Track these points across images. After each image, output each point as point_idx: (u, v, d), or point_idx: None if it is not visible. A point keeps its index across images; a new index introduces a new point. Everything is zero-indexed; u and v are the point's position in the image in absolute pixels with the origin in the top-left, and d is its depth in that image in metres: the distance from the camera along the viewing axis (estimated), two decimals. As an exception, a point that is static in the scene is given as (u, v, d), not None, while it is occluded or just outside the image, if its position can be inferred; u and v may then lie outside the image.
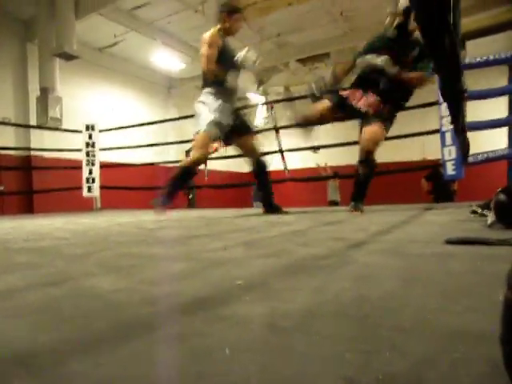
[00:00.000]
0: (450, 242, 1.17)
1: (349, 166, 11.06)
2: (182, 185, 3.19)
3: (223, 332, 0.50)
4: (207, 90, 3.21)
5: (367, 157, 2.98)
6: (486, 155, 4.21)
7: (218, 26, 3.24)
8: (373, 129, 2.97)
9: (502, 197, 1.61)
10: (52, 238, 1.84)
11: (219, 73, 3.13)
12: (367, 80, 3.07)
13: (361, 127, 3.13)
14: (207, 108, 3.14)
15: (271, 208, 3.35)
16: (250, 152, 3.39)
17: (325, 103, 3.13)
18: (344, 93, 3.13)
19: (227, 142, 3.39)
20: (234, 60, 3.17)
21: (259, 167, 3.38)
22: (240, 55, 3.19)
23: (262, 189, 3.47)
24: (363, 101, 3.04)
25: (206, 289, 0.73)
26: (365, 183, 3.04)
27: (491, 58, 3.86)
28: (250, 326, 0.52)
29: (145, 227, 2.34)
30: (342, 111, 3.15)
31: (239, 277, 0.79)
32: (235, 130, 3.27)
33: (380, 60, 2.97)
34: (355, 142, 5.07)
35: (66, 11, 6.57)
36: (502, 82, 4.70)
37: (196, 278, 0.85)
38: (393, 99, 3.05)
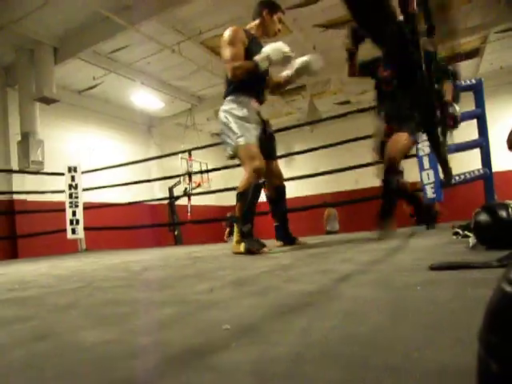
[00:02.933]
0: (434, 268, 1.19)
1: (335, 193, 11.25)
2: (253, 203, 2.72)
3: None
4: (230, 97, 2.80)
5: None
6: (463, 176, 4.32)
7: (255, 23, 2.89)
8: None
9: (480, 218, 1.63)
10: (37, 285, 1.80)
11: (246, 67, 2.63)
12: None
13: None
14: (235, 118, 2.73)
15: (289, 239, 3.00)
16: (273, 175, 2.97)
17: None
18: None
19: None
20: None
21: (278, 194, 3.02)
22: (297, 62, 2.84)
23: (279, 218, 3.05)
24: None
25: (193, 336, 0.73)
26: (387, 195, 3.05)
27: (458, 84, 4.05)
28: (239, 374, 0.51)
29: (130, 269, 2.30)
30: None
31: (226, 320, 0.79)
32: (261, 147, 2.80)
33: None
34: (339, 170, 5.19)
35: (45, 57, 6.69)
36: (466, 107, 4.96)
37: (183, 324, 0.84)
38: None
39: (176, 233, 8.76)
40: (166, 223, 8.89)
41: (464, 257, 1.45)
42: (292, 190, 11.89)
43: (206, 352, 0.62)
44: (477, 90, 4.14)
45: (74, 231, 5.98)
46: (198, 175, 8.84)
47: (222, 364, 0.55)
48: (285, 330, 0.70)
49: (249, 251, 2.50)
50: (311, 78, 2.91)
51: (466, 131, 5.33)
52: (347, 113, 5.30)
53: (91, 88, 8.98)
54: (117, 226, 6.92)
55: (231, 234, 11.23)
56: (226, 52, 2.68)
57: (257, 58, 2.62)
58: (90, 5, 5.98)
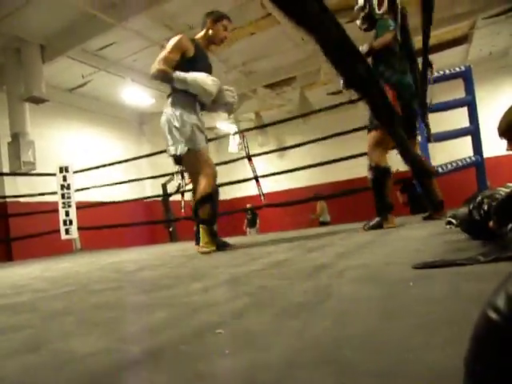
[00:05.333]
0: (417, 267, 1.13)
1: (328, 183, 11.25)
2: (216, 205, 2.92)
3: (203, 394, 0.49)
4: (178, 99, 2.89)
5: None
6: (455, 164, 4.34)
7: (202, 33, 3.05)
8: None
9: (466, 209, 1.56)
10: (30, 290, 1.79)
11: (166, 73, 2.81)
12: None
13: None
14: (187, 123, 2.83)
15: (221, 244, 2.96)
16: None
17: None
18: None
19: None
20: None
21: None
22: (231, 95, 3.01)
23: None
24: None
25: (186, 342, 0.72)
26: (378, 191, 3.08)
27: (447, 72, 4.05)
28: (230, 383, 0.51)
29: (125, 270, 2.30)
30: None
31: (219, 324, 0.79)
32: None
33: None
34: (333, 161, 5.18)
35: (33, 56, 6.60)
36: (456, 95, 4.94)
37: (176, 329, 0.83)
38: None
39: (171, 229, 8.73)
40: (159, 220, 8.86)
41: (455, 246, 1.46)
42: (284, 184, 11.80)
43: (197, 359, 0.61)
44: (466, 77, 4.14)
45: (67, 231, 5.95)
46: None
47: (214, 372, 0.55)
48: (278, 333, 0.69)
49: (220, 248, 2.85)
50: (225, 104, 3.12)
51: (456, 118, 5.36)
52: (339, 104, 5.28)
53: (81, 86, 8.88)
54: (111, 225, 6.88)
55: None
56: (162, 53, 2.89)
57: (179, 74, 2.80)
58: (73, 3, 5.88)
